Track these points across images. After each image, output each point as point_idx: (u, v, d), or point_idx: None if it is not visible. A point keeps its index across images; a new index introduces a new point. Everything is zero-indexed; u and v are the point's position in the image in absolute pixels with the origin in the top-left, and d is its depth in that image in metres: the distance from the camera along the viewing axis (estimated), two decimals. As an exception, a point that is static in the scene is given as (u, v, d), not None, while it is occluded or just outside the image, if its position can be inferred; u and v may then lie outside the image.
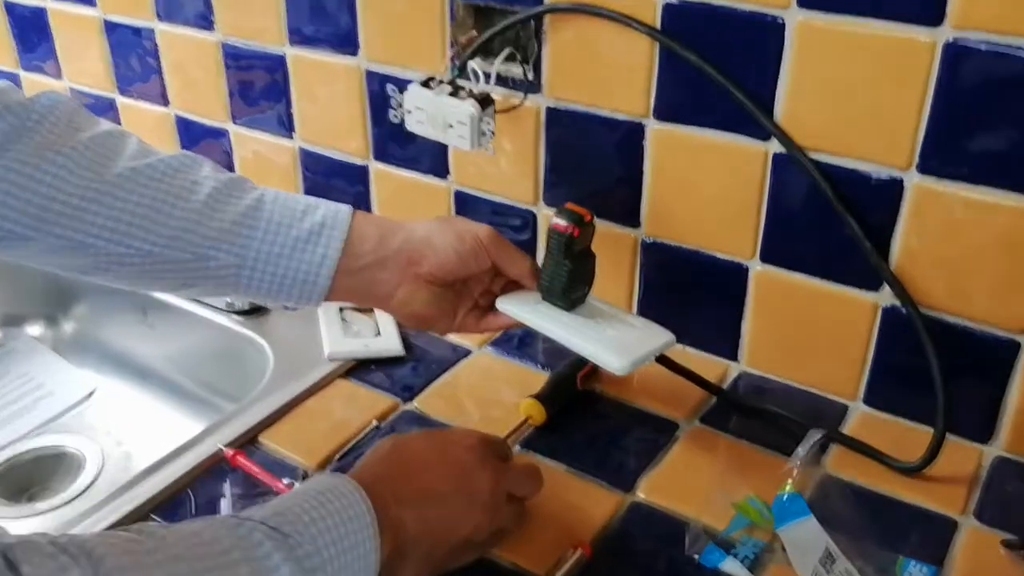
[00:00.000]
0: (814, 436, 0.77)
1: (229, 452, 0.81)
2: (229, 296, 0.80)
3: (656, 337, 0.77)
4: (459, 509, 0.65)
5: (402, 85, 0.90)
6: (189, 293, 0.73)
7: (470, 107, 0.85)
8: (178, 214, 0.70)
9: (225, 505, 0.77)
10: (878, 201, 0.78)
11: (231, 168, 1.21)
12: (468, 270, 0.76)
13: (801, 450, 0.77)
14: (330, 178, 1.12)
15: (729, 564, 0.69)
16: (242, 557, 0.53)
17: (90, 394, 1.11)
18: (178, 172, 0.71)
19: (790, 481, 0.74)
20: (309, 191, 1.15)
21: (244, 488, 0.79)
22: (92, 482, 0.99)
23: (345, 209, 0.74)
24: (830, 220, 0.81)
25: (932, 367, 0.78)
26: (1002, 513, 0.76)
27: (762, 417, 0.85)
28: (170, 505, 0.77)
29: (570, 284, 0.77)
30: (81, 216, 0.67)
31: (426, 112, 0.87)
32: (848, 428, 0.85)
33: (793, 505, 0.72)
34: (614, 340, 0.75)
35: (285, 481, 0.78)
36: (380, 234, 0.74)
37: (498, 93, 0.91)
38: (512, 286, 0.80)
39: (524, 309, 0.78)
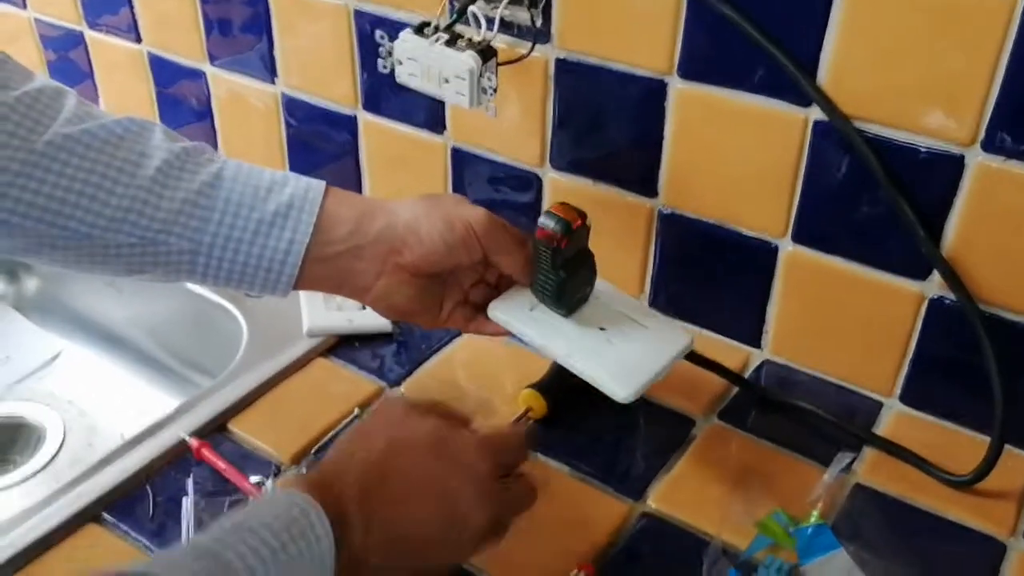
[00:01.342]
0: (844, 459, 0.69)
1: (194, 443, 0.73)
2: (185, 282, 0.70)
3: (669, 345, 0.68)
4: (436, 545, 0.55)
5: (394, 29, 0.80)
6: (139, 279, 0.63)
7: (470, 60, 0.75)
8: (121, 191, 0.60)
9: (187, 504, 0.69)
10: (933, 180, 0.69)
11: (208, 114, 1.11)
12: (457, 261, 0.66)
13: (828, 477, 0.69)
14: (315, 127, 1.02)
15: (751, 593, 0.61)
16: None
17: (54, 358, 1.02)
18: (123, 140, 0.61)
19: (815, 512, 0.66)
20: (292, 140, 1.05)
21: (209, 484, 0.71)
22: (52, 458, 0.92)
23: (316, 186, 0.65)
24: (875, 199, 0.72)
25: (989, 367, 0.70)
26: (1054, 535, 0.68)
27: (790, 414, 0.77)
28: (126, 501, 0.70)
29: (564, 292, 0.67)
30: (5, 192, 0.57)
31: (419, 64, 0.77)
32: (881, 429, 0.77)
33: (820, 538, 0.64)
34: (618, 358, 0.66)
35: (253, 479, 0.70)
36: (357, 217, 0.65)
37: (502, 41, 0.81)
38: (510, 278, 0.70)
39: (517, 318, 0.69)
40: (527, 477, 0.60)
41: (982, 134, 0.66)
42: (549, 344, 0.67)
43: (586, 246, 0.69)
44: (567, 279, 0.67)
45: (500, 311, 0.69)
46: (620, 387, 0.64)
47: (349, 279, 0.65)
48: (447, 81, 0.76)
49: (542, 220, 0.66)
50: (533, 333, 0.68)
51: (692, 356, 0.76)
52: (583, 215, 0.67)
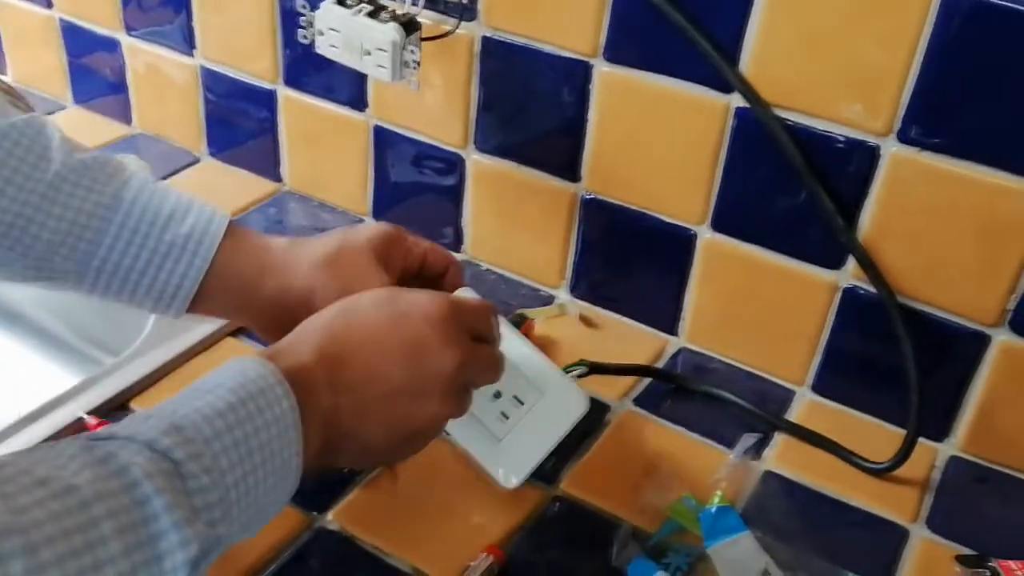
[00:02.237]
0: (749, 441, 0.69)
1: (92, 422, 0.70)
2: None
3: (564, 417, 0.65)
4: (407, 398, 0.53)
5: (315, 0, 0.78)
6: (26, 285, 0.60)
7: (392, 31, 0.73)
8: (5, 204, 0.56)
9: (81, 484, 0.66)
10: (850, 170, 0.70)
11: (123, 87, 1.07)
12: None
13: (732, 458, 0.69)
14: (234, 102, 0.99)
15: (659, 577, 0.61)
16: (106, 512, 0.38)
17: (-52, 334, 0.97)
18: (16, 146, 0.57)
19: (719, 492, 0.66)
20: (211, 115, 1.02)
21: (107, 464, 0.68)
22: (-59, 439, 0.87)
23: (219, 221, 0.61)
24: (793, 188, 0.72)
25: (906, 357, 0.71)
26: (956, 521, 0.69)
27: (704, 401, 0.77)
28: (17, 481, 0.66)
29: None
30: None
31: (341, 34, 0.75)
32: (793, 416, 0.78)
33: (725, 520, 0.64)
34: (510, 438, 0.64)
35: (154, 458, 0.67)
36: (250, 273, 0.61)
37: (427, 18, 0.79)
38: None
39: None
40: (493, 346, 0.59)
41: (897, 125, 0.67)
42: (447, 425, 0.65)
43: None
44: None
45: None
46: (504, 473, 0.63)
47: (240, 318, 0.64)
48: (368, 53, 0.74)
49: None
50: None
51: (600, 369, 0.76)
52: None
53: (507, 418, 0.64)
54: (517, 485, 0.63)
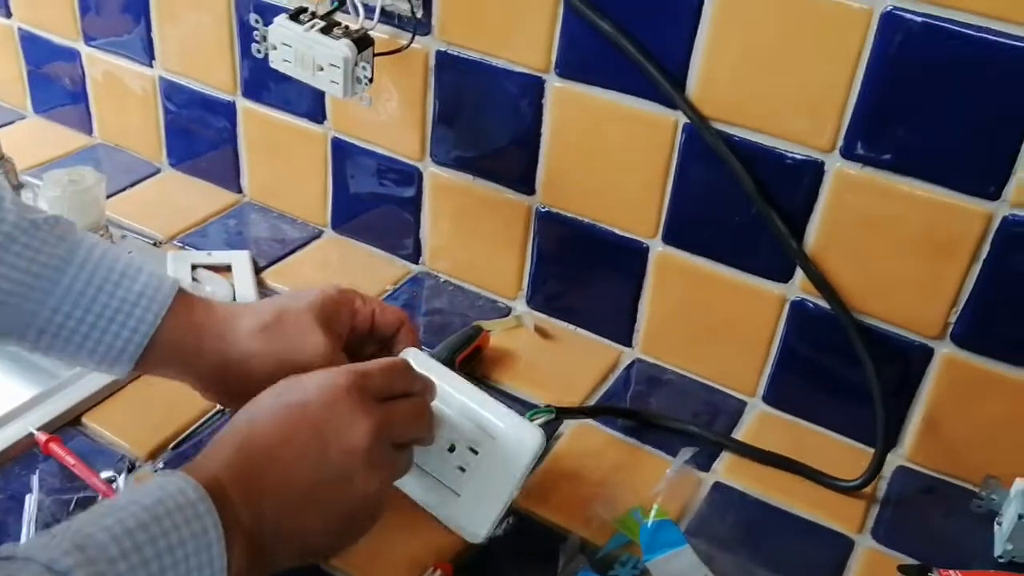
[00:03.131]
0: (687, 454, 0.70)
1: (42, 437, 0.70)
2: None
3: (520, 458, 0.63)
4: (331, 486, 0.52)
5: (272, 14, 0.78)
6: None
7: (344, 48, 0.73)
8: None
9: (31, 502, 0.66)
10: (795, 185, 0.71)
11: (83, 96, 1.06)
12: None
13: (670, 471, 0.69)
14: (194, 112, 0.99)
15: (604, 590, 0.62)
16: None
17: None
18: None
19: (656, 505, 0.66)
20: (170, 125, 1.02)
21: (57, 481, 0.68)
22: None
23: (169, 288, 0.61)
24: (741, 202, 0.73)
25: (866, 372, 0.71)
26: (900, 531, 0.70)
27: (648, 422, 0.77)
28: (-34, 499, 0.66)
29: None
30: None
31: (293, 49, 0.75)
32: (744, 427, 0.79)
33: (664, 534, 0.64)
34: (471, 490, 0.63)
35: (104, 475, 0.67)
36: (193, 336, 0.61)
37: (382, 32, 0.80)
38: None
39: None
40: (414, 397, 0.58)
41: (841, 141, 0.68)
42: (402, 485, 0.64)
43: None
44: None
45: None
46: (475, 532, 0.62)
47: (183, 379, 0.63)
48: (321, 69, 0.75)
49: None
50: None
51: (568, 413, 0.75)
52: None
53: (464, 471, 0.63)
54: (484, 538, 0.62)
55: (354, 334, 0.65)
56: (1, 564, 0.42)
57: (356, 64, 0.74)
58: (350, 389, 0.54)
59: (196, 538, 0.46)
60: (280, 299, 0.64)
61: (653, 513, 0.66)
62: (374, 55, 0.76)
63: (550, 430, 0.75)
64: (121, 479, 0.68)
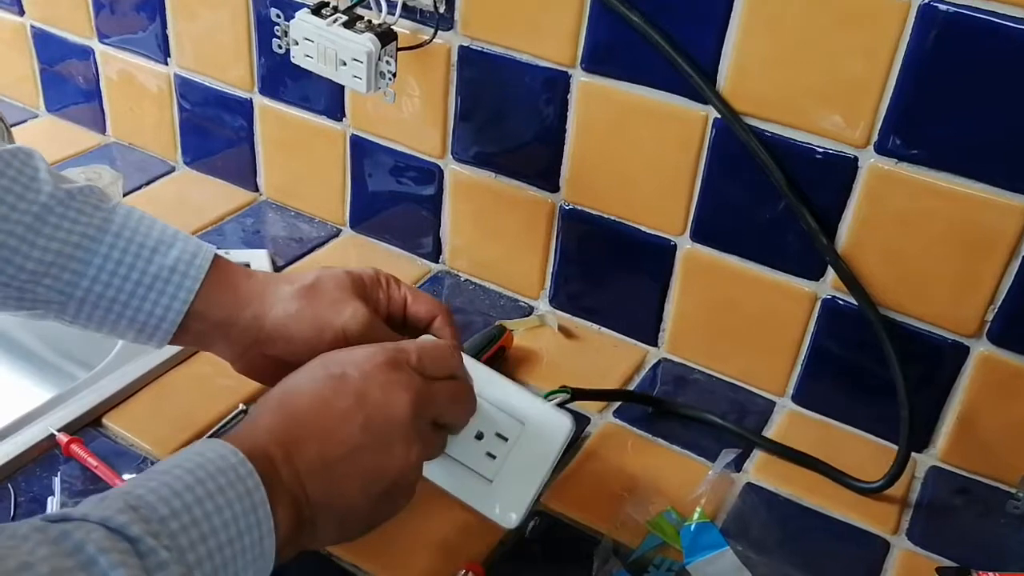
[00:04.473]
0: (729, 456, 0.69)
1: (63, 439, 0.69)
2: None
3: (550, 444, 0.62)
4: (370, 453, 0.51)
5: (291, 9, 0.77)
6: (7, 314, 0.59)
7: (368, 42, 0.72)
8: None
9: (52, 505, 0.65)
10: (828, 181, 0.69)
11: (97, 95, 1.05)
12: None
13: (711, 474, 0.68)
14: (210, 111, 0.98)
15: (640, 593, 0.60)
16: None
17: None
18: (2, 175, 0.56)
19: (699, 508, 0.66)
20: (185, 124, 1.01)
21: (79, 483, 0.67)
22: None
23: (204, 254, 0.60)
24: (772, 198, 0.72)
25: (893, 372, 0.70)
26: (936, 533, 0.69)
27: (681, 418, 0.76)
28: (-13, 501, 0.65)
29: None
30: None
31: (316, 45, 0.74)
32: (773, 427, 0.77)
33: (705, 536, 0.63)
34: (502, 477, 0.62)
35: (126, 476, 0.66)
36: (231, 302, 0.60)
37: (404, 27, 0.79)
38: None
39: None
40: (458, 380, 0.57)
41: (875, 137, 0.66)
42: (431, 475, 0.63)
43: None
44: None
45: None
46: (508, 515, 0.61)
47: (215, 348, 0.62)
48: (344, 64, 0.73)
49: None
50: None
51: (583, 394, 0.74)
52: None
53: (494, 457, 0.62)
54: (518, 522, 0.61)
55: (387, 318, 0.64)
56: (56, 525, 0.41)
57: (380, 58, 0.73)
58: (392, 363, 0.53)
59: (242, 499, 0.45)
60: (317, 269, 0.63)
61: (696, 515, 0.65)
62: (397, 49, 0.75)
63: (578, 431, 0.74)
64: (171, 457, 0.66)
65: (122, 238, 0.58)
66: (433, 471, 0.64)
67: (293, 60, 0.77)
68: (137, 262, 0.58)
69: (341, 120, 0.90)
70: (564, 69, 0.76)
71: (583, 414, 0.76)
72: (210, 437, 0.69)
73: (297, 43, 0.75)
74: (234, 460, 0.46)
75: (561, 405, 0.70)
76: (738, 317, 0.78)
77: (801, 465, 0.73)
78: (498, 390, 0.65)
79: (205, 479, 0.45)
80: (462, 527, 0.65)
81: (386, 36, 0.74)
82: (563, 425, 0.62)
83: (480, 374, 0.65)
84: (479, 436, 0.63)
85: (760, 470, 0.73)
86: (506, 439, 0.63)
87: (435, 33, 0.78)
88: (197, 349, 0.64)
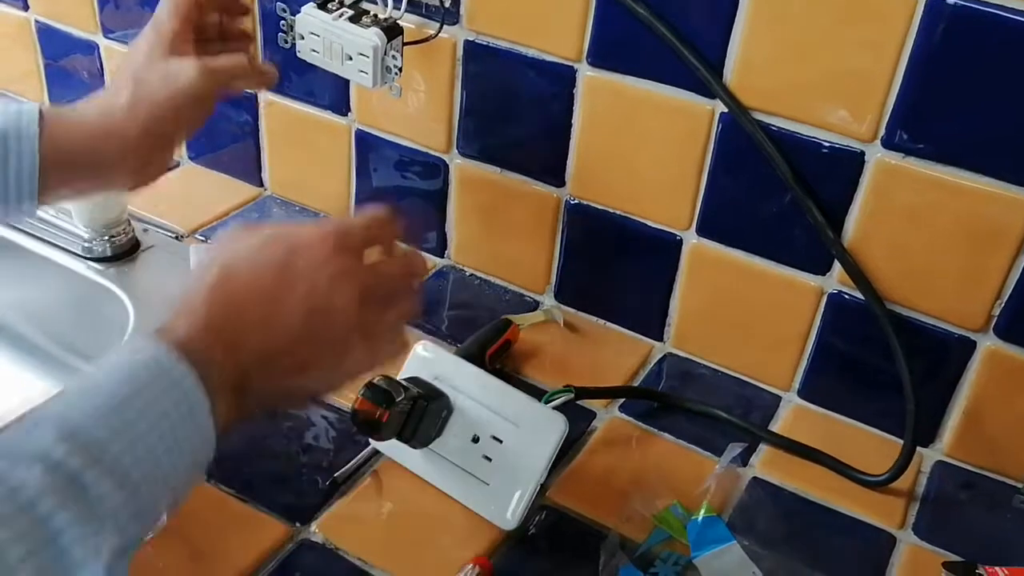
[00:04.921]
0: (735, 450, 0.69)
1: (69, 432, 0.68)
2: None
3: (543, 446, 0.64)
4: (314, 351, 0.50)
5: (297, 3, 0.77)
6: None
7: (374, 37, 0.72)
8: None
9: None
10: (835, 176, 0.69)
11: (102, 88, 1.05)
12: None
13: (719, 468, 0.68)
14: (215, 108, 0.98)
15: (647, 587, 0.60)
16: (11, 537, 0.37)
17: (-76, 342, 0.96)
18: None
19: (706, 502, 0.66)
20: (190, 120, 1.00)
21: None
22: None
23: (27, 114, 0.60)
24: (778, 193, 0.72)
25: (899, 366, 0.70)
26: (941, 527, 0.69)
27: (688, 413, 0.76)
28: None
29: (412, 440, 0.65)
30: None
31: (321, 39, 0.74)
32: (779, 422, 0.77)
33: (712, 530, 0.63)
34: (498, 479, 0.64)
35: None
36: (79, 138, 0.62)
37: (410, 21, 0.79)
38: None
39: (398, 450, 0.67)
40: (404, 253, 0.56)
41: (882, 131, 0.66)
42: (430, 478, 0.66)
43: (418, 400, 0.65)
44: (410, 437, 0.65)
45: (382, 445, 0.68)
46: (506, 517, 0.63)
47: (94, 185, 0.65)
48: (350, 59, 0.73)
49: (362, 391, 0.62)
50: (411, 464, 0.68)
51: (587, 393, 0.74)
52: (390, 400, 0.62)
53: (490, 460, 0.64)
54: (517, 523, 0.63)
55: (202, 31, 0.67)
56: None
57: (386, 53, 0.73)
58: (339, 248, 0.51)
59: (178, 406, 0.44)
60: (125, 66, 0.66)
61: (703, 510, 0.65)
62: (404, 43, 0.75)
63: (584, 426, 0.74)
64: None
65: None
66: (432, 475, 0.66)
67: (299, 55, 0.77)
68: None
69: (346, 115, 0.90)
70: (570, 64, 0.76)
71: (589, 409, 0.76)
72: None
73: (303, 37, 0.75)
74: (167, 364, 0.44)
75: (565, 404, 0.71)
76: (744, 312, 0.78)
77: (807, 459, 0.73)
78: (492, 393, 0.66)
79: (142, 389, 0.43)
80: (469, 521, 0.65)
81: (392, 31, 0.73)
82: (557, 425, 0.64)
83: (474, 378, 0.67)
84: (475, 439, 0.65)
85: (766, 464, 0.73)
86: (501, 441, 0.64)
87: (440, 27, 0.78)
88: (81, 193, 0.67)
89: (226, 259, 0.50)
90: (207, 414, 0.45)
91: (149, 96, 0.63)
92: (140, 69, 0.64)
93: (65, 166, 0.61)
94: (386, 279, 0.54)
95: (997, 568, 0.64)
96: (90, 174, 0.63)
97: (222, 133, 0.99)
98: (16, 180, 0.59)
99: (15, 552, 0.36)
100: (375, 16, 0.75)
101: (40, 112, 0.61)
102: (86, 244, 0.88)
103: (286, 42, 0.78)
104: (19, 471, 0.38)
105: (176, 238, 0.92)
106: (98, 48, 1.03)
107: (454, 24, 0.79)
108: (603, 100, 0.76)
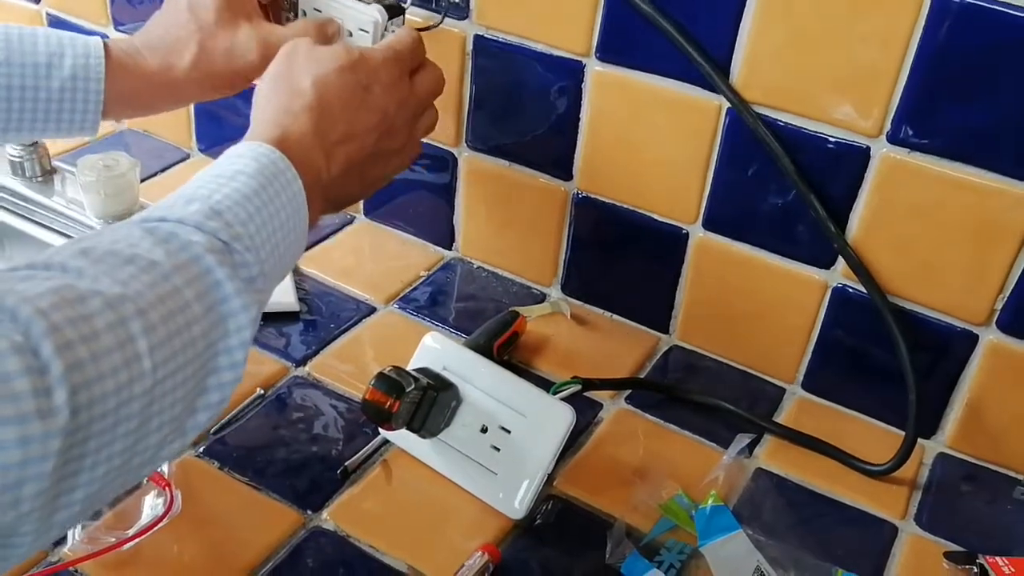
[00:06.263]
0: (743, 441, 0.70)
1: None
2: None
3: (551, 436, 0.65)
4: (381, 165, 0.63)
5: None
6: None
7: (375, 12, 0.73)
8: None
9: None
10: (840, 171, 0.70)
11: (111, 79, 1.06)
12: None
13: (726, 458, 0.69)
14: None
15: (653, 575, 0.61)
16: (185, 281, 0.46)
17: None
18: None
19: (713, 492, 0.67)
20: (200, 110, 1.02)
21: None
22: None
23: (95, 49, 0.67)
24: (784, 188, 0.73)
25: (901, 358, 0.71)
26: (942, 518, 0.70)
27: (694, 405, 0.77)
28: None
29: (422, 430, 0.67)
30: None
31: (323, 15, 0.75)
32: (783, 414, 0.78)
33: (718, 519, 0.64)
34: (505, 468, 0.65)
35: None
36: (141, 71, 0.69)
37: (416, 15, 0.79)
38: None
39: (407, 440, 0.69)
40: (430, 66, 0.66)
41: (888, 126, 0.67)
42: (438, 467, 0.68)
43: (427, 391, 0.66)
44: (419, 427, 0.66)
45: (392, 435, 0.69)
46: (513, 506, 0.65)
47: (165, 104, 0.72)
48: (350, 35, 0.74)
49: (372, 382, 0.64)
50: (420, 454, 0.69)
51: (594, 384, 0.76)
52: (399, 391, 0.64)
53: (498, 450, 0.65)
54: (524, 512, 0.65)
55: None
56: (159, 225, 0.48)
57: (386, 30, 0.73)
58: (401, 76, 0.63)
59: (292, 202, 0.53)
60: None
61: (711, 499, 0.66)
62: (404, 22, 0.75)
63: (590, 417, 0.75)
64: (164, 468, 0.67)
65: (15, 65, 0.65)
66: (441, 464, 0.67)
67: (306, 39, 0.77)
68: (39, 83, 0.65)
69: (356, 108, 0.90)
70: (578, 59, 0.76)
71: (595, 400, 0.77)
72: (226, 424, 0.71)
73: (306, 14, 0.76)
74: (283, 166, 0.53)
75: (572, 396, 0.72)
76: (749, 305, 0.79)
77: (811, 450, 0.74)
78: (500, 384, 0.67)
79: (266, 184, 0.52)
80: (478, 510, 0.66)
81: (393, 9, 0.74)
82: (564, 416, 0.65)
83: (483, 369, 0.68)
84: (483, 430, 0.66)
85: (771, 456, 0.74)
86: (509, 432, 0.66)
87: (443, 18, 0.79)
88: (147, 113, 0.74)
89: (317, 79, 0.59)
90: (305, 215, 0.55)
91: (209, 67, 0.69)
92: (207, 32, 0.69)
93: (124, 105, 0.70)
94: (424, 96, 0.66)
95: (998, 558, 0.65)
96: (144, 112, 0.73)
97: (231, 125, 1.00)
98: (82, 113, 0.67)
99: (190, 292, 0.45)
100: (378, -3, 0.75)
101: (106, 50, 0.67)
102: (98, 235, 0.89)
103: (288, 19, 0.79)
104: (184, 231, 0.47)
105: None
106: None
107: (464, 19, 0.79)
108: (611, 95, 0.77)
